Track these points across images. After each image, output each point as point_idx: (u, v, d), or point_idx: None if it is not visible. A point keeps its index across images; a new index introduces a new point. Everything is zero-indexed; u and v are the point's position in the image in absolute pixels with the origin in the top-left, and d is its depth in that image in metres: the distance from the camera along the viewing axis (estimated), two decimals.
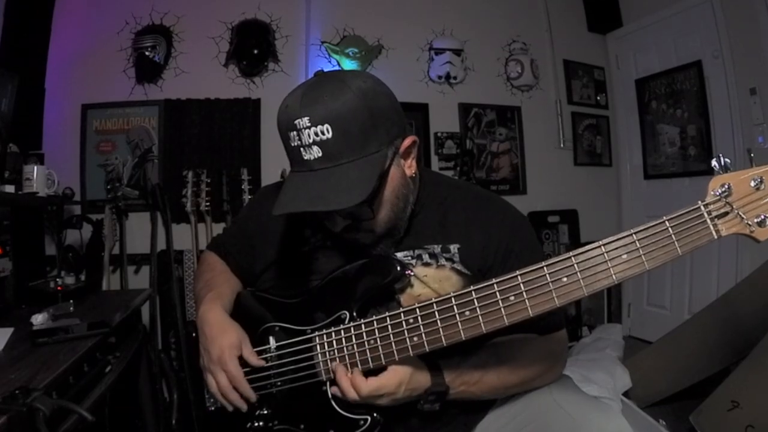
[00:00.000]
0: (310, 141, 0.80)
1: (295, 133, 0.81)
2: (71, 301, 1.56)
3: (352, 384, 0.83)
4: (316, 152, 0.80)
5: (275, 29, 2.76)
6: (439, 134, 3.03)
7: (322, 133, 0.79)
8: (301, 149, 0.81)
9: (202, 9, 2.69)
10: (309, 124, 0.79)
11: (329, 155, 0.80)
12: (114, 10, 2.62)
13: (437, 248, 0.96)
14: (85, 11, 2.61)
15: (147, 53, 2.58)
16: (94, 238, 2.32)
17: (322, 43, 2.84)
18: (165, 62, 2.64)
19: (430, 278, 0.94)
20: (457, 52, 3.02)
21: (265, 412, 0.97)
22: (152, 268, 2.25)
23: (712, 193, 0.67)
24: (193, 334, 1.07)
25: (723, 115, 2.79)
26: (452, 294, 0.78)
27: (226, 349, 0.92)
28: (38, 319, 1.28)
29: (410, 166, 0.92)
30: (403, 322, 0.81)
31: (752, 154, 0.71)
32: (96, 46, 2.60)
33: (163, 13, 2.65)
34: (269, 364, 0.95)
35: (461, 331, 0.77)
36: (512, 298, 0.74)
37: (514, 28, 3.21)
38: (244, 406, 0.93)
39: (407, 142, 0.89)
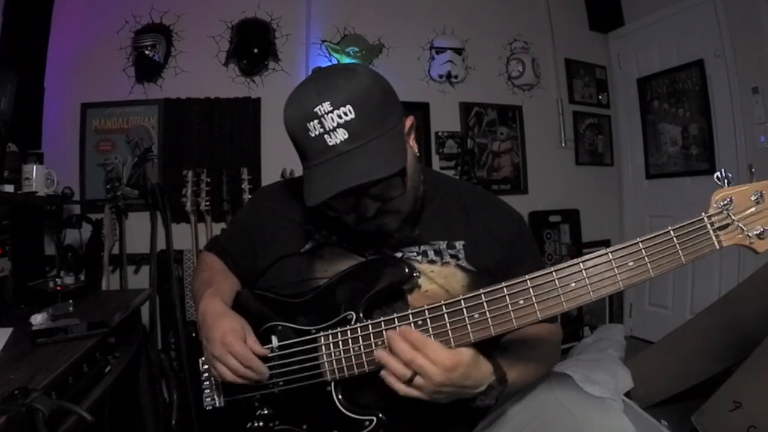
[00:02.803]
0: (334, 125, 0.80)
1: (316, 121, 0.80)
2: (71, 301, 1.56)
3: (402, 333, 0.77)
4: (341, 135, 0.80)
5: (275, 28, 2.76)
6: (440, 133, 3.02)
7: (345, 115, 0.79)
8: (325, 136, 0.81)
9: (202, 8, 2.68)
10: (331, 108, 0.79)
11: (355, 135, 0.80)
12: (114, 9, 2.61)
13: (443, 245, 0.96)
14: (84, 10, 2.60)
15: (147, 52, 2.57)
16: (94, 238, 2.31)
17: (323, 42, 2.83)
18: (165, 61, 2.63)
19: (436, 274, 0.95)
20: (458, 51, 3.01)
21: (266, 412, 0.96)
22: (152, 267, 2.24)
23: (714, 205, 0.71)
24: (193, 334, 1.06)
25: (725, 114, 2.78)
26: (462, 297, 0.79)
27: (229, 332, 0.90)
28: (37, 319, 1.28)
29: (413, 145, 0.94)
30: (412, 324, 0.81)
31: (753, 169, 0.77)
32: (95, 45, 2.59)
33: (163, 12, 2.64)
34: (271, 363, 0.94)
35: (470, 334, 0.78)
36: (521, 301, 0.76)
37: (515, 27, 3.20)
38: (264, 375, 0.91)
39: (408, 121, 0.92)
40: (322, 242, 1.01)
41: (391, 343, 0.78)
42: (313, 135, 0.81)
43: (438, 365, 0.75)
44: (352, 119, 0.79)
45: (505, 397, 0.92)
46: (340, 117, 0.79)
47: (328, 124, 0.80)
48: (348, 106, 0.79)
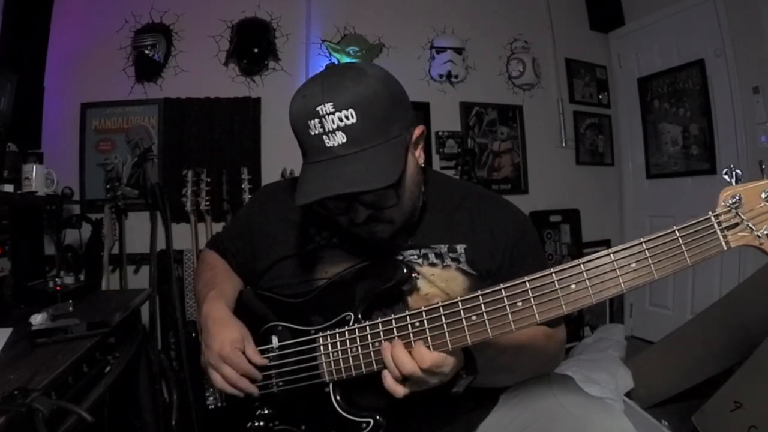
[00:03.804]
0: (334, 127, 0.79)
1: (317, 120, 0.79)
2: (70, 301, 1.56)
3: (415, 356, 0.77)
4: (340, 138, 0.79)
5: (275, 28, 2.76)
6: (440, 133, 3.02)
7: (347, 118, 0.78)
8: (324, 136, 0.79)
9: (202, 7, 2.68)
10: (333, 110, 0.78)
11: (354, 140, 0.79)
12: (113, 9, 2.61)
13: (444, 248, 0.95)
14: (84, 10, 2.60)
15: (147, 52, 2.57)
16: (94, 238, 2.31)
17: (323, 41, 2.83)
18: (165, 61, 2.63)
19: (437, 277, 0.94)
20: (459, 51, 3.01)
21: (266, 411, 0.96)
22: (152, 267, 2.24)
23: (722, 204, 0.67)
24: (193, 334, 1.06)
25: (726, 114, 2.78)
26: (459, 299, 0.77)
27: (228, 344, 0.90)
28: (37, 319, 1.28)
29: (419, 156, 0.92)
30: (409, 326, 0.80)
31: (764, 166, 0.70)
32: (95, 45, 2.59)
33: (163, 12, 2.64)
34: (271, 363, 0.94)
35: (467, 336, 0.76)
36: (520, 304, 0.73)
37: (515, 27, 3.20)
38: (255, 390, 0.92)
39: (417, 131, 0.90)
40: (323, 244, 1.00)
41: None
42: (312, 133, 0.80)
43: (445, 364, 0.78)
44: (353, 123, 0.78)
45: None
46: (341, 120, 0.78)
47: (329, 125, 0.79)
48: (351, 110, 0.78)
